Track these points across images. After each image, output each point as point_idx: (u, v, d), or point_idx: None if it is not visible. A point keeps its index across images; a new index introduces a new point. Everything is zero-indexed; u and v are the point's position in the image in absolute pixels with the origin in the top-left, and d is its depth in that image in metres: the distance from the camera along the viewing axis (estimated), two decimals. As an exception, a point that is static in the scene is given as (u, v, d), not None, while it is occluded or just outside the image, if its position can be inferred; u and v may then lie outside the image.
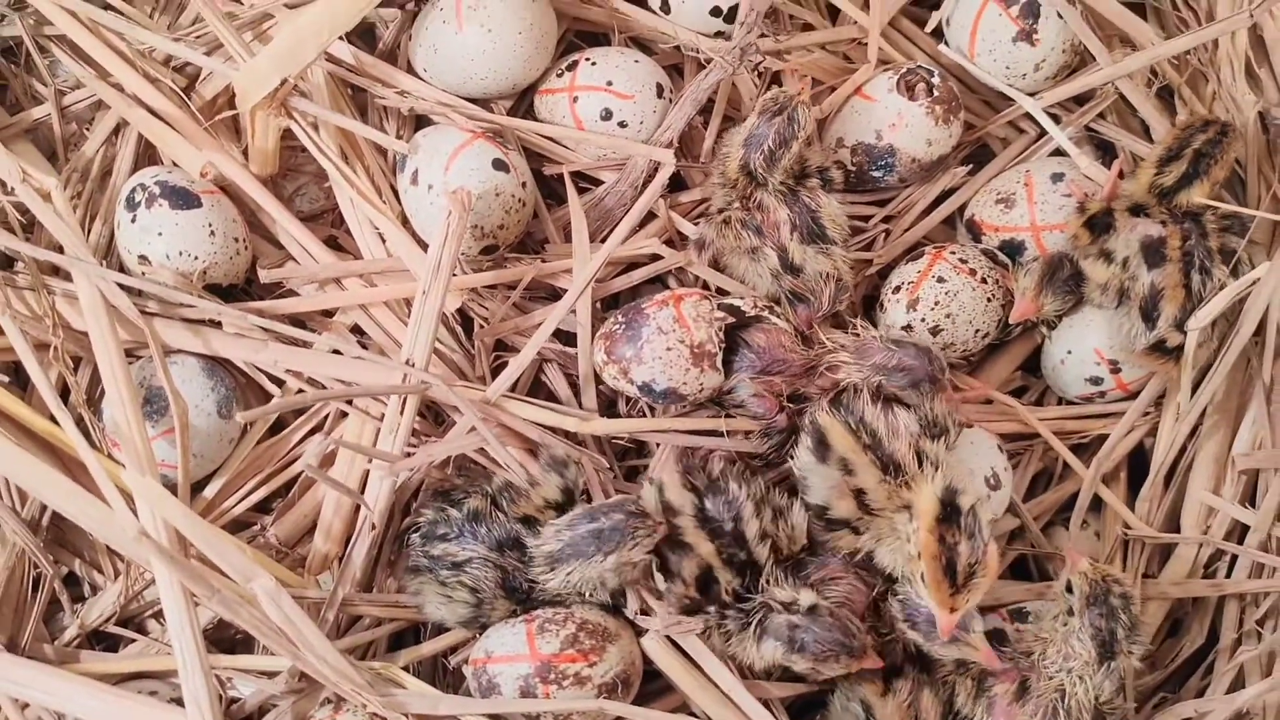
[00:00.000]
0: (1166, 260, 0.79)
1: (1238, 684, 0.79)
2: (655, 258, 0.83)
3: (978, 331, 0.83)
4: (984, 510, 0.72)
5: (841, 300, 0.80)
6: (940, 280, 0.82)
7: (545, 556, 0.72)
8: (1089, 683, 0.70)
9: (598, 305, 0.83)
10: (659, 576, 0.73)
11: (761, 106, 0.79)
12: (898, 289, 0.84)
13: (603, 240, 0.83)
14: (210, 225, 0.80)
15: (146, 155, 0.86)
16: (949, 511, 0.69)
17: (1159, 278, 0.79)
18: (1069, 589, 0.71)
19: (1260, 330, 0.81)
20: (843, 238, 0.81)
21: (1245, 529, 0.81)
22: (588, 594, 0.72)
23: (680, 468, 0.75)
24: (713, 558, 0.72)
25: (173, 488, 0.76)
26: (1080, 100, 0.89)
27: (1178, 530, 0.83)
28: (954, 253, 0.84)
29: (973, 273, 0.83)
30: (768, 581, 0.72)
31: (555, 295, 0.84)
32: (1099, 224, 0.81)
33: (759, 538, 0.72)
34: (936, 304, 0.82)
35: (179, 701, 0.69)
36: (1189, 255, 0.79)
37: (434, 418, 0.82)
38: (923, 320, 0.82)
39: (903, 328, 0.83)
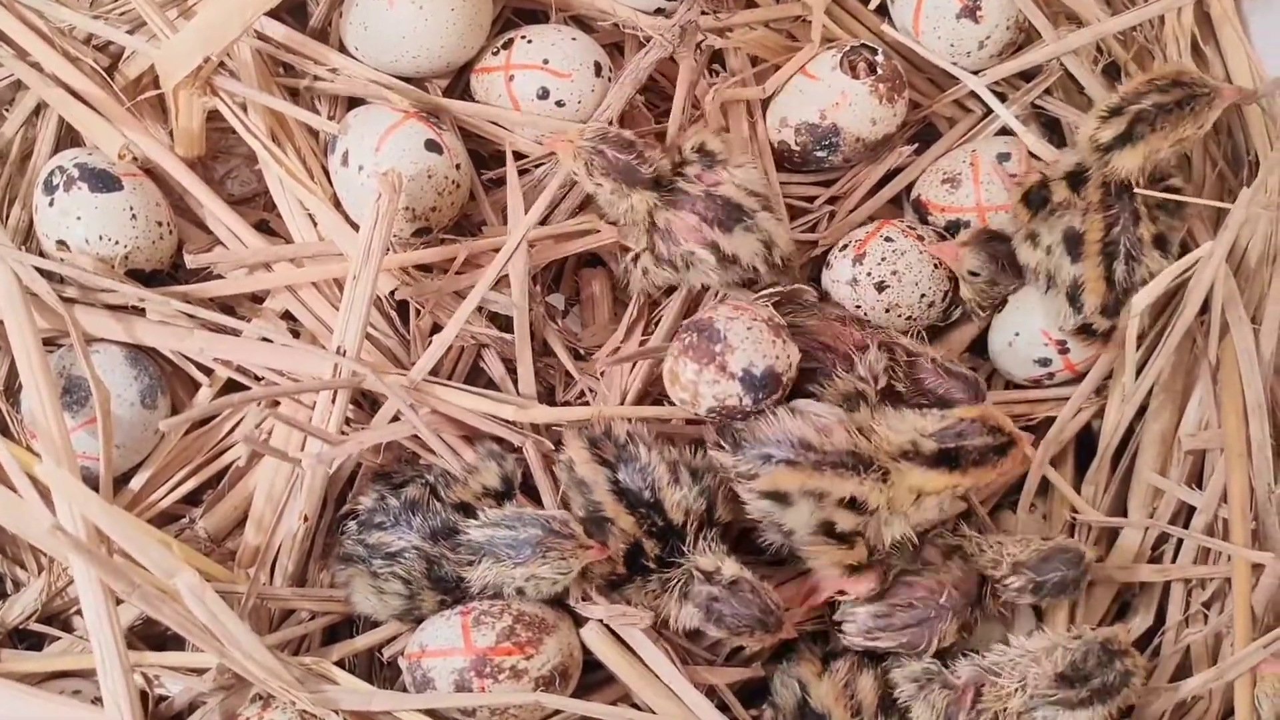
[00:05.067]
0: (1084, 256, 0.78)
1: (1184, 667, 0.79)
2: (591, 232, 0.82)
3: (923, 296, 0.82)
4: (926, 418, 0.71)
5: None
6: (888, 240, 0.82)
7: (469, 545, 0.71)
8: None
9: (536, 287, 0.81)
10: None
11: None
12: (844, 247, 0.83)
13: (542, 222, 0.81)
14: (131, 209, 0.77)
15: (68, 137, 0.84)
16: (945, 460, 0.69)
17: (1079, 272, 0.78)
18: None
19: (1204, 310, 0.80)
20: (762, 203, 0.78)
21: (1192, 510, 0.81)
22: (506, 594, 0.71)
23: (584, 441, 0.74)
24: (635, 530, 0.72)
25: (96, 479, 0.73)
26: (1026, 77, 0.88)
27: (1125, 513, 0.82)
28: (902, 220, 0.84)
29: (920, 239, 0.82)
30: (692, 546, 0.71)
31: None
32: (1035, 199, 0.80)
33: (677, 505, 0.72)
34: (883, 260, 0.81)
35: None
36: (1110, 245, 0.78)
37: (370, 404, 0.80)
38: (868, 274, 0.81)
39: (848, 282, 0.82)
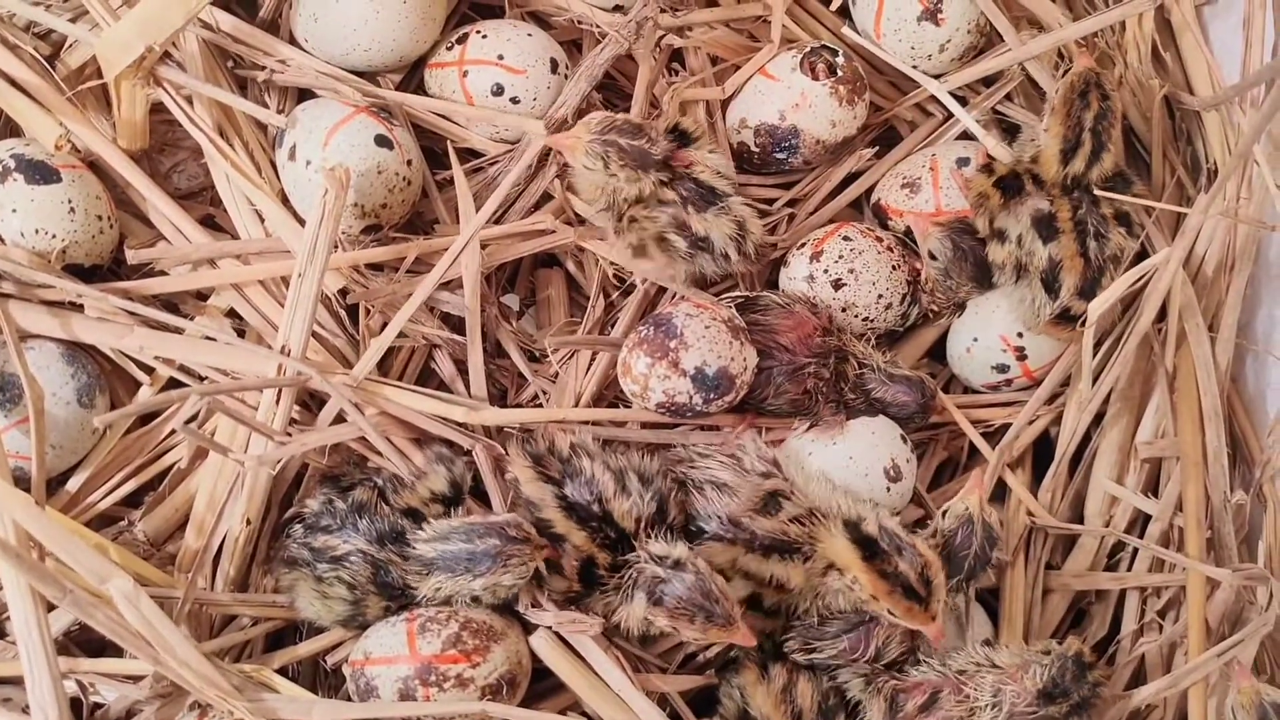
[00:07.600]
0: (1060, 233, 0.78)
1: (1138, 674, 0.79)
2: (547, 232, 0.80)
3: (880, 297, 0.81)
4: (888, 517, 0.71)
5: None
6: (846, 239, 0.81)
7: (418, 559, 0.69)
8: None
9: (490, 288, 0.80)
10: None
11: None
12: (802, 245, 0.82)
13: (496, 220, 0.79)
14: (70, 201, 0.75)
15: (7, 127, 0.81)
16: (868, 548, 0.69)
17: (1055, 250, 0.78)
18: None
19: (1161, 317, 0.80)
20: (733, 186, 0.78)
21: (1148, 518, 0.80)
22: (457, 602, 0.70)
23: (528, 460, 0.72)
24: (588, 545, 0.70)
25: (29, 480, 0.71)
26: (987, 82, 0.88)
27: (1081, 520, 0.82)
28: (861, 222, 0.83)
29: (879, 239, 0.82)
30: (648, 536, 0.70)
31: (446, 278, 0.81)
32: (1011, 186, 0.80)
33: (627, 514, 0.71)
34: (840, 258, 0.80)
35: (35, 709, 0.65)
36: (1081, 224, 0.79)
37: (318, 405, 0.78)
38: (825, 271, 0.80)
39: (804, 278, 0.81)
